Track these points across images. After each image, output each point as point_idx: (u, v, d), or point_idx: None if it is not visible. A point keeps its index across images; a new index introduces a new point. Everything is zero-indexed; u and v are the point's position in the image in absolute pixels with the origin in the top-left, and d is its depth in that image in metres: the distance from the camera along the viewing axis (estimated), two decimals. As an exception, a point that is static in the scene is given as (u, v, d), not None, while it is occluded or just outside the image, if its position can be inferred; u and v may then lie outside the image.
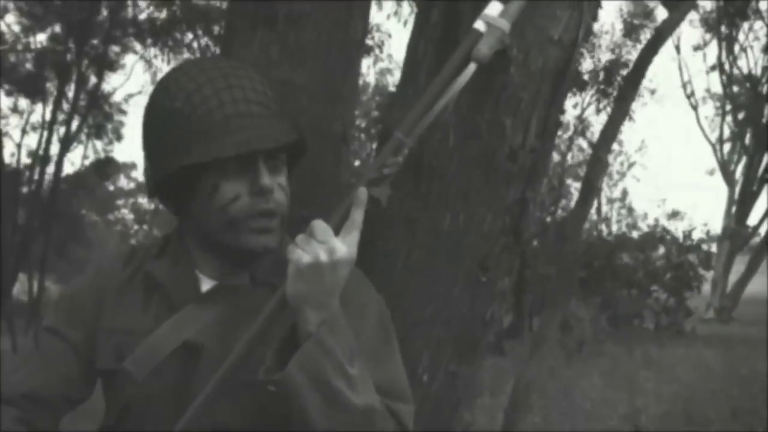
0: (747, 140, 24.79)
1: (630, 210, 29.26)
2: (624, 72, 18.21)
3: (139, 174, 44.15)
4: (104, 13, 16.76)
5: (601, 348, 12.76)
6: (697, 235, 18.58)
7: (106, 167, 23.15)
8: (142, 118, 1.58)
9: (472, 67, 1.41)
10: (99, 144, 21.49)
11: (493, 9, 1.43)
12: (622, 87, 4.93)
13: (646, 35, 19.21)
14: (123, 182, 41.87)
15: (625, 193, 29.18)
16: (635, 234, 21.52)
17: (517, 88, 2.14)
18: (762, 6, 23.54)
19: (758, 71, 24.69)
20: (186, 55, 18.89)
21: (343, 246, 1.35)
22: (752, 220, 24.29)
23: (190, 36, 18.60)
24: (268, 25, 2.42)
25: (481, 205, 2.19)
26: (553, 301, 5.31)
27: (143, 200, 43.83)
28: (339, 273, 1.35)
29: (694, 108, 26.24)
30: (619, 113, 5.10)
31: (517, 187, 2.21)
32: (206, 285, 1.58)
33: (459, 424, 2.38)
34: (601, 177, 5.29)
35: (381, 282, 1.83)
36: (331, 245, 1.33)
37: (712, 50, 24.52)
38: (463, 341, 2.29)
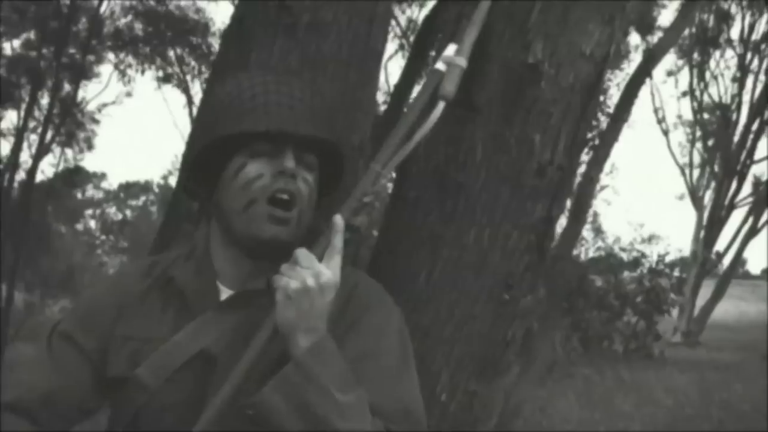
0: (716, 167, 25.09)
1: (599, 232, 29.46)
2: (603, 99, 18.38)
3: (107, 184, 43.98)
4: (82, 21, 16.67)
5: (572, 370, 12.78)
6: (669, 259, 18.79)
7: (75, 176, 22.96)
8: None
9: (441, 105, 1.55)
10: (69, 152, 21.32)
11: (450, 50, 1.60)
12: (616, 108, 4.95)
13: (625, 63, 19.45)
14: (91, 192, 41.62)
15: (595, 215, 29.41)
16: (605, 255, 21.66)
17: (547, 103, 2.11)
18: (733, 35, 23.94)
19: (728, 99, 25.05)
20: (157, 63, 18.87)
21: (328, 270, 1.40)
22: (720, 245, 24.57)
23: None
24: (288, 32, 2.37)
25: (506, 222, 2.15)
26: (543, 322, 5.30)
27: (111, 210, 43.61)
28: (326, 296, 1.39)
29: (665, 133, 26.52)
30: (612, 133, 5.12)
31: (544, 204, 2.17)
32: (225, 294, 1.56)
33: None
34: (592, 196, 5.31)
35: (402, 298, 1.80)
36: (317, 270, 1.39)
37: (684, 77, 24.85)
38: (483, 360, 2.24)
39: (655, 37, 16.63)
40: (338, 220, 1.44)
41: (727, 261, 25.25)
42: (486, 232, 2.15)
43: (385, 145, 1.48)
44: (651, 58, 4.98)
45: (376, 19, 2.47)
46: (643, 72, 4.89)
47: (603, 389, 10.18)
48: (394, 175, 2.17)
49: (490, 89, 2.12)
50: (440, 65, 1.57)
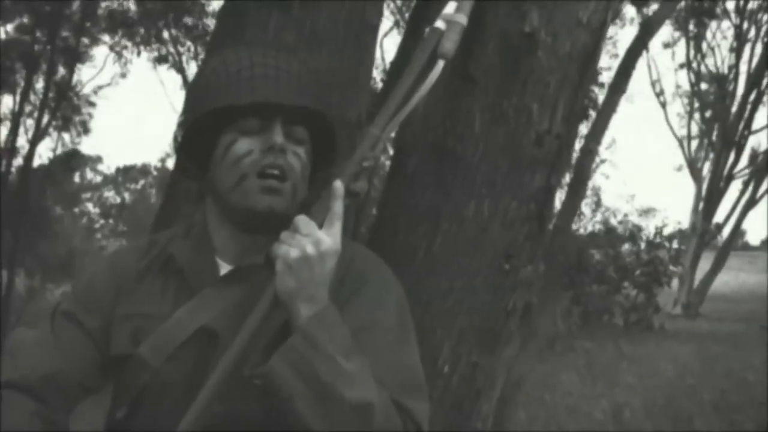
0: (714, 138, 25.05)
1: (598, 206, 29.47)
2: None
3: (104, 167, 43.93)
4: (75, 4, 16.53)
5: (573, 343, 12.82)
6: (668, 231, 18.78)
7: (72, 160, 22.89)
8: None
9: (440, 63, 1.48)
10: (66, 136, 21.25)
11: (450, 7, 1.52)
12: (614, 79, 4.92)
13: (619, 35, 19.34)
14: (89, 175, 41.61)
15: (596, 190, 29.41)
16: (605, 230, 21.64)
17: (544, 72, 2.10)
18: (729, 6, 23.82)
19: (725, 70, 24.98)
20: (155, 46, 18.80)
21: (328, 237, 1.37)
22: (719, 217, 24.57)
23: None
24: (283, 8, 2.36)
25: (506, 192, 2.15)
26: (543, 296, 5.31)
27: (109, 194, 43.54)
28: (327, 264, 1.37)
29: (663, 105, 26.46)
30: (610, 105, 5.10)
31: (543, 173, 2.17)
32: (224, 270, 1.55)
33: (478, 417, 2.33)
34: (590, 168, 5.30)
35: (402, 272, 1.79)
36: (317, 237, 1.36)
37: (681, 48, 24.71)
38: (485, 331, 2.24)
39: (650, 10, 16.58)
40: (338, 185, 1.40)
41: (725, 232, 25.28)
42: (485, 203, 2.15)
43: (384, 108, 1.44)
44: (648, 29, 4.94)
45: (370, -9, 2.47)
46: (640, 43, 4.86)
47: (604, 362, 10.21)
48: (390, 151, 2.14)
49: (486, 60, 2.11)
50: (440, 23, 1.51)
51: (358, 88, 2.49)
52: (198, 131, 1.52)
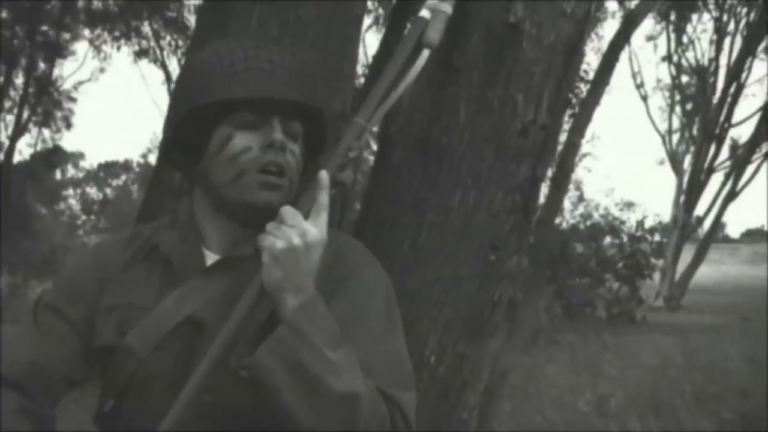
0: (695, 131, 25.19)
1: (580, 200, 29.54)
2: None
3: (86, 164, 43.73)
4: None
5: (556, 336, 12.85)
6: (649, 224, 18.84)
7: (54, 156, 22.77)
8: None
9: (425, 52, 1.47)
10: (47, 132, 21.14)
11: None
12: (596, 72, 4.94)
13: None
14: (71, 172, 41.39)
15: (578, 183, 29.47)
16: (588, 224, 21.71)
17: (529, 63, 2.10)
18: (709, -1, 23.95)
19: (705, 63, 25.11)
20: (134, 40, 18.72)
21: (314, 228, 1.36)
22: (699, 209, 24.71)
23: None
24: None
25: (491, 183, 2.15)
26: (528, 288, 5.33)
27: (91, 190, 43.32)
28: (313, 255, 1.36)
29: (644, 99, 26.58)
30: (593, 98, 5.12)
31: (528, 164, 2.17)
32: (210, 260, 1.54)
33: (464, 408, 2.34)
34: (573, 161, 5.33)
35: (388, 262, 1.79)
36: (303, 228, 1.35)
37: (663, 42, 24.82)
38: (471, 322, 2.24)
39: (632, 4, 16.62)
40: (323, 176, 1.39)
41: (706, 225, 25.42)
42: (471, 194, 2.15)
43: (369, 98, 1.43)
44: (631, 21, 4.97)
45: (354, -17, 2.46)
46: (623, 36, 4.88)
47: (588, 354, 10.24)
48: (374, 146, 2.13)
49: (471, 51, 2.11)
50: (424, 12, 1.50)
51: (343, 79, 2.49)
52: (189, 123, 1.51)
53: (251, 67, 1.48)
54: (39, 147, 21.23)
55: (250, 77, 1.47)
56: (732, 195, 23.92)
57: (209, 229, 1.56)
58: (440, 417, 2.27)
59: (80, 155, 40.32)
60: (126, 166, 46.34)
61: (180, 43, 18.60)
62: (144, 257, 1.60)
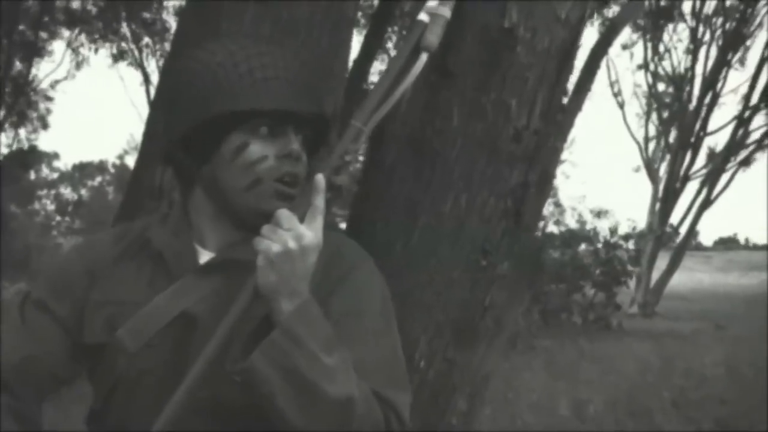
0: (671, 139, 25.38)
1: (557, 206, 29.69)
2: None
3: (61, 164, 43.40)
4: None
5: (533, 342, 12.90)
6: (622, 230, 18.95)
7: (29, 156, 22.60)
8: (166, 75, 1.58)
9: (423, 56, 1.48)
10: (22, 132, 20.97)
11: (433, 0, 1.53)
12: (579, 78, 4.94)
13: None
14: (45, 172, 41.06)
15: (554, 190, 29.59)
16: (562, 229, 21.81)
17: (523, 68, 2.10)
18: (685, 8, 24.16)
19: (682, 71, 25.31)
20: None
21: (310, 232, 1.36)
22: (675, 217, 24.88)
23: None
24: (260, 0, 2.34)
25: (484, 188, 2.15)
26: (512, 293, 5.31)
27: (65, 191, 43.01)
28: (308, 259, 1.36)
29: (621, 106, 26.75)
30: (575, 103, 5.10)
31: (521, 169, 2.17)
32: (204, 257, 1.54)
33: (453, 413, 2.33)
34: (556, 166, 5.32)
35: (380, 264, 1.78)
36: (299, 232, 1.35)
37: (639, 50, 25.04)
38: (462, 327, 2.24)
39: (611, 11, 16.72)
40: (319, 179, 1.39)
41: (680, 232, 25.60)
42: (463, 198, 2.14)
43: (366, 101, 1.43)
44: (613, 28, 4.97)
45: (347, -15, 2.45)
46: (605, 42, 4.88)
47: (565, 360, 10.29)
48: (362, 154, 2.13)
49: (465, 55, 2.11)
50: (423, 16, 1.51)
51: (334, 80, 2.48)
52: (198, 126, 1.49)
53: (269, 75, 1.47)
54: (15, 147, 21.08)
55: (271, 87, 1.47)
56: (707, 203, 24.11)
57: (205, 228, 1.56)
58: (429, 422, 2.26)
59: (55, 155, 40.01)
60: (101, 167, 46.06)
61: (158, 45, 18.53)
62: (135, 253, 1.59)
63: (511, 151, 2.14)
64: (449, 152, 2.12)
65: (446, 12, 1.53)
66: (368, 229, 2.21)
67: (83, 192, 44.69)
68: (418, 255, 2.17)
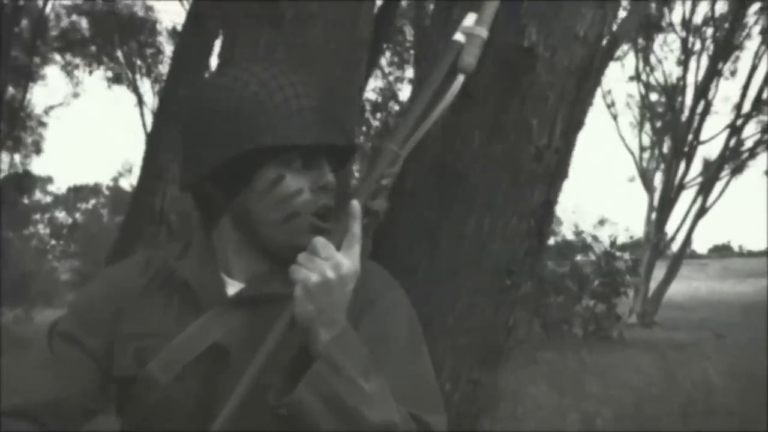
0: (665, 148, 25.45)
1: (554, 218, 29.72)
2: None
3: (55, 188, 43.32)
4: (24, 22, 16.32)
5: (535, 355, 12.86)
6: (621, 240, 18.97)
7: (24, 182, 22.55)
8: (190, 107, 1.54)
9: (460, 78, 1.45)
10: (17, 157, 20.94)
11: (470, 20, 1.49)
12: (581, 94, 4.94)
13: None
14: (38, 196, 40.94)
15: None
16: (559, 240, 21.81)
17: (543, 87, 2.09)
18: (675, 19, 24.28)
19: (673, 81, 25.43)
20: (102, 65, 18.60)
21: (347, 260, 1.33)
22: (671, 226, 24.92)
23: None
24: (274, 25, 2.32)
25: (506, 208, 2.13)
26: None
27: (60, 214, 42.89)
28: (347, 288, 1.34)
29: (615, 117, 26.85)
30: (576, 120, 5.10)
31: (542, 188, 2.16)
32: (231, 288, 1.51)
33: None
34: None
35: (403, 289, 1.77)
36: (336, 260, 1.32)
37: (630, 61, 25.12)
38: (485, 348, 2.22)
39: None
40: (355, 205, 1.36)
41: (677, 241, 25.65)
42: (486, 220, 2.13)
43: (402, 123, 1.40)
44: (614, 41, 4.97)
45: (361, 8, 2.44)
46: (607, 56, 4.89)
47: (568, 373, 10.25)
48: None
49: (485, 76, 2.09)
50: (459, 36, 1.47)
51: (350, 104, 2.46)
52: (232, 158, 1.47)
53: (305, 106, 1.46)
54: (9, 172, 21.03)
55: (307, 119, 1.45)
56: (702, 211, 24.16)
57: (231, 258, 1.53)
58: (456, 445, 2.24)
59: (48, 179, 39.92)
60: (95, 189, 45.95)
61: (152, 68, 18.54)
62: (161, 284, 1.56)
63: (533, 171, 2.13)
64: (471, 174, 2.11)
65: (483, 32, 1.50)
66: (390, 253, 2.19)
67: (78, 215, 44.61)
68: (442, 278, 2.16)
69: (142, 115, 22.45)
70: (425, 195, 2.13)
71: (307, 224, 1.45)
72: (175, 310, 1.52)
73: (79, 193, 45.96)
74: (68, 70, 19.03)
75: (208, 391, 1.44)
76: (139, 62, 19.21)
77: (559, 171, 2.19)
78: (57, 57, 18.68)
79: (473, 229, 2.13)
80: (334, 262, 1.32)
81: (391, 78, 19.31)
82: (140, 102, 20.72)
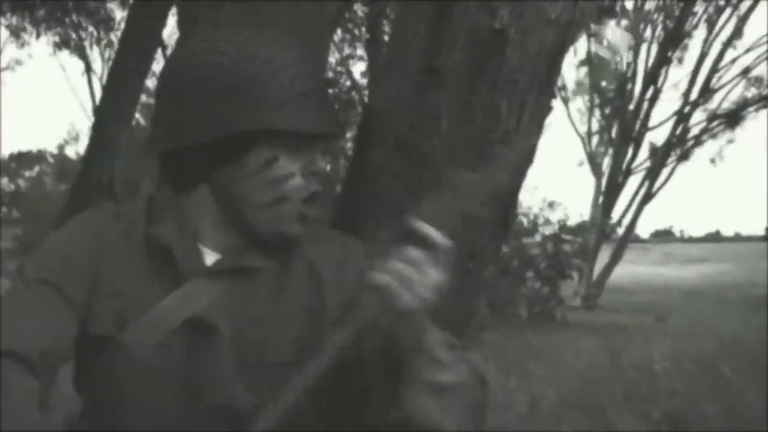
0: (614, 134, 25.76)
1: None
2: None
3: (-5, 154, 42.37)
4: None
5: (480, 335, 12.95)
6: (571, 223, 19.22)
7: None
8: (182, 71, 1.47)
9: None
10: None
11: None
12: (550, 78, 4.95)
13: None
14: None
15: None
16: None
17: (514, 70, 2.06)
18: (628, 5, 24.50)
19: (624, 67, 25.69)
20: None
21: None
22: (618, 210, 25.26)
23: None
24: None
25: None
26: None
27: (2, 181, 42.11)
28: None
29: (565, 102, 27.04)
30: (545, 104, 5.10)
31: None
32: (208, 257, 1.48)
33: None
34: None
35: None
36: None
37: (582, 45, 25.27)
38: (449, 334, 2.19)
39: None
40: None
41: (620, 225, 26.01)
42: (451, 202, 2.09)
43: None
44: (576, 23, 5.00)
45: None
46: (570, 39, 4.90)
47: (513, 355, 10.34)
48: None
49: (455, 56, 2.06)
50: None
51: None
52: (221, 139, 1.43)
53: (309, 89, 1.43)
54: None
55: (312, 105, 1.43)
56: (648, 197, 24.52)
57: (205, 227, 1.50)
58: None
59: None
60: (40, 156, 45.13)
61: (102, 34, 18.20)
62: (139, 243, 1.49)
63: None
64: (438, 155, 2.07)
65: None
66: (356, 233, 2.15)
67: (21, 182, 43.76)
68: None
69: (89, 82, 22.09)
70: (391, 174, 2.09)
71: (295, 211, 1.43)
72: (155, 273, 1.46)
73: (22, 159, 45.06)
74: (16, 32, 18.62)
75: (190, 363, 1.40)
76: (91, 28, 18.85)
77: (527, 156, 2.16)
78: (2, 20, 18.23)
79: (438, 212, 2.09)
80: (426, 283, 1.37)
81: (343, 54, 19.22)
82: (88, 69, 20.39)
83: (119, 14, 17.27)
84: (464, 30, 2.05)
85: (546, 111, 2.20)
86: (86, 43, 19.52)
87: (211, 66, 1.41)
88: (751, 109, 25.46)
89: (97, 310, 1.44)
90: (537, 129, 2.18)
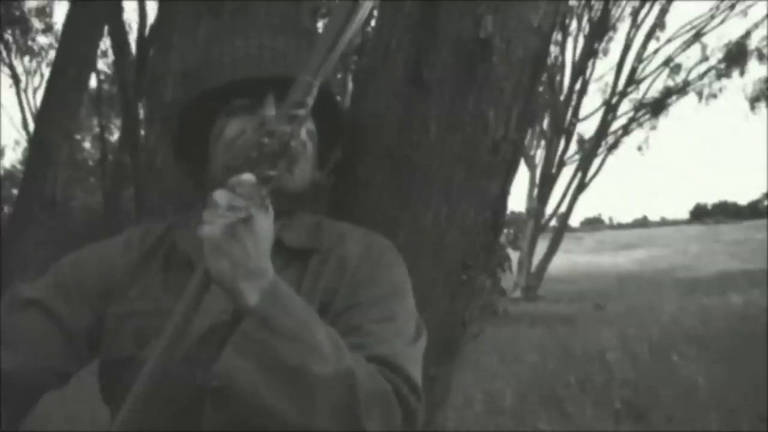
0: (545, 126, 26.08)
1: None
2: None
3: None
4: None
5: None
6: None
7: None
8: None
9: (367, 4, 1.35)
10: None
11: None
12: (534, 85, 4.96)
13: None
14: None
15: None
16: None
17: (499, 78, 2.07)
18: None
19: (552, 60, 26.01)
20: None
21: (252, 204, 1.23)
22: (552, 201, 25.60)
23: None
24: (213, 14, 2.22)
25: (463, 201, 2.10)
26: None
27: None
28: (259, 234, 1.22)
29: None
30: (529, 111, 5.14)
31: (498, 180, 2.14)
32: None
33: (434, 429, 2.28)
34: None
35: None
36: (238, 207, 1.21)
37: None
38: (442, 343, 2.19)
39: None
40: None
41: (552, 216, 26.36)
42: (443, 212, 2.09)
43: (314, 53, 1.31)
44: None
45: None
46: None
47: (465, 349, 10.37)
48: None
49: (441, 66, 2.06)
50: None
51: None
52: (189, 127, 1.48)
53: (238, 56, 1.43)
54: None
55: (241, 55, 1.43)
56: (581, 186, 24.89)
57: None
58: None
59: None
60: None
61: (29, 46, 17.79)
62: (161, 257, 1.48)
63: (490, 163, 2.10)
64: (428, 166, 2.07)
65: None
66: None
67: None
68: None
69: (18, 95, 21.55)
70: (381, 186, 2.08)
71: (254, 173, 1.28)
72: (177, 286, 1.40)
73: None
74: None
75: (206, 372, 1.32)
76: (8, 36, 18.40)
77: (514, 162, 2.17)
78: None
79: (431, 222, 2.09)
80: (237, 209, 1.21)
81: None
82: (16, 82, 19.82)
83: (36, 23, 17.00)
84: (449, 40, 2.05)
85: (531, 116, 2.21)
86: (13, 55, 19.06)
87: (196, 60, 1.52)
88: (674, 97, 26.11)
89: (116, 335, 1.40)
90: (523, 135, 2.19)
